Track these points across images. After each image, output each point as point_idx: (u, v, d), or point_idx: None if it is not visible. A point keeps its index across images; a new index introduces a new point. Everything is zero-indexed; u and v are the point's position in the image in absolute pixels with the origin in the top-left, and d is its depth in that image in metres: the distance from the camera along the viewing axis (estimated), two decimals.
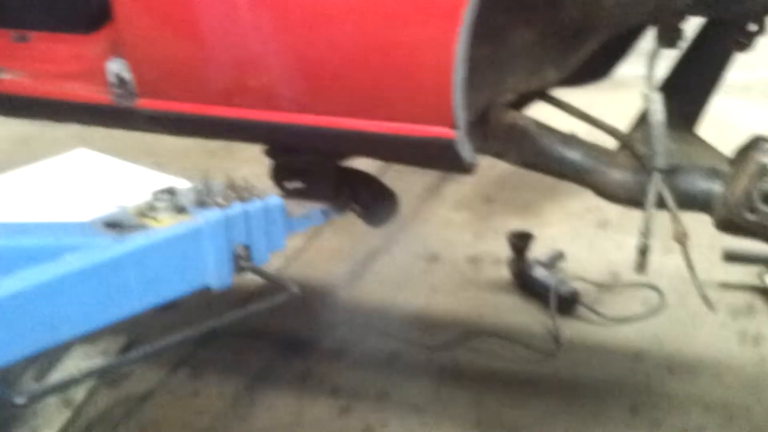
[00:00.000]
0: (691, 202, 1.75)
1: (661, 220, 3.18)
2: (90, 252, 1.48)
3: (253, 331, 2.70)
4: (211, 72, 1.73)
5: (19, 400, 1.27)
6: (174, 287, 1.61)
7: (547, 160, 1.80)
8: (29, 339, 1.40)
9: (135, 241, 1.55)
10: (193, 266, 1.63)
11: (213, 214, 1.66)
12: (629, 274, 2.92)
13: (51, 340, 1.42)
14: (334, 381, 2.49)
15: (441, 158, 1.67)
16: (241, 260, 1.70)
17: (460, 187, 3.70)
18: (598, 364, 2.51)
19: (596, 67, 2.06)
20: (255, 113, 1.73)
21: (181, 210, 1.66)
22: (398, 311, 2.83)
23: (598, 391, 2.39)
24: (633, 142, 1.79)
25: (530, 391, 2.41)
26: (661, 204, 1.74)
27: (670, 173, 1.73)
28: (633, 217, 3.35)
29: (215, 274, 1.67)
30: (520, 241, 2.92)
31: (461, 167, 1.65)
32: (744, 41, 1.71)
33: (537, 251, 2.97)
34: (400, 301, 2.89)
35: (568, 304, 2.75)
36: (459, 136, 1.58)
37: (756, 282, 2.80)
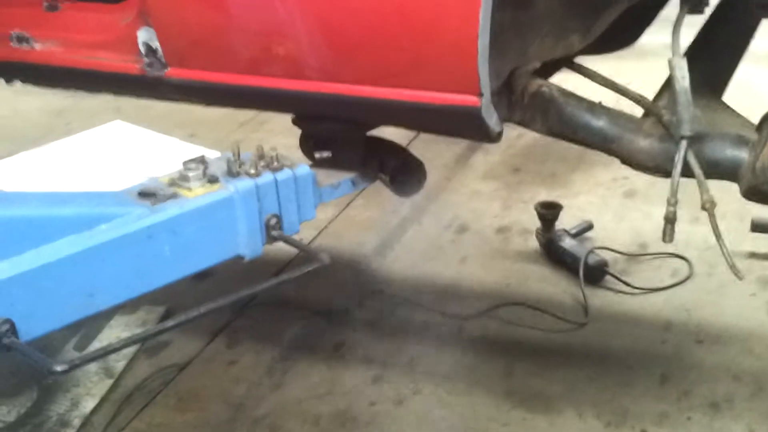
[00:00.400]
0: (718, 170, 1.75)
1: (688, 189, 3.20)
2: (125, 221, 1.52)
3: (287, 301, 2.75)
4: (238, 40, 1.75)
5: (59, 367, 1.32)
6: (207, 256, 1.64)
7: (573, 128, 1.80)
8: (67, 308, 1.44)
9: (168, 210, 1.58)
10: (225, 235, 1.66)
11: (244, 184, 1.68)
12: (657, 244, 2.96)
13: (88, 309, 1.46)
14: (366, 351, 2.54)
15: (467, 126, 1.68)
16: (272, 229, 1.73)
17: (488, 157, 3.71)
18: (627, 333, 2.54)
19: (621, 35, 2.06)
20: (282, 82, 1.75)
21: (212, 180, 1.68)
22: (428, 281, 2.86)
23: (627, 361, 2.41)
24: (659, 110, 1.79)
25: (559, 361, 2.44)
26: (688, 172, 1.74)
27: (697, 141, 1.72)
28: (660, 186, 3.35)
29: (247, 244, 1.70)
30: (549, 212, 2.94)
31: (487, 136, 1.66)
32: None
33: (565, 221, 2.99)
34: (430, 271, 2.93)
35: (596, 274, 2.77)
36: (484, 104, 1.59)
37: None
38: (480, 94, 1.58)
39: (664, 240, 1.79)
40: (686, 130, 1.71)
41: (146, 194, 1.62)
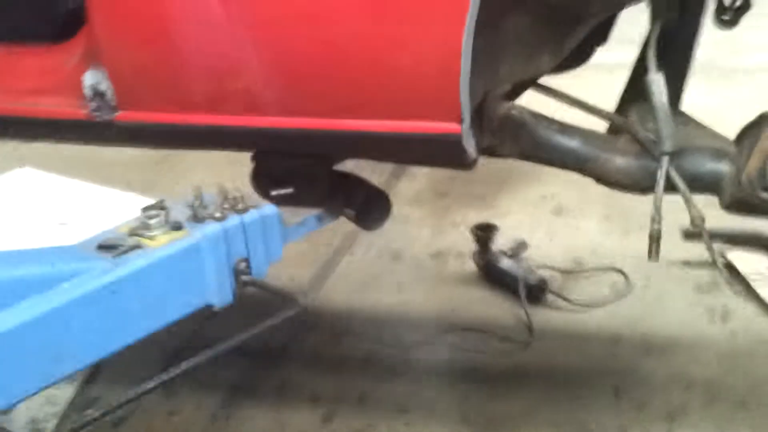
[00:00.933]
0: (698, 183, 1.74)
1: (623, 203, 3.22)
2: (87, 278, 1.41)
3: (220, 343, 2.64)
4: (199, 78, 1.67)
5: None
6: (176, 308, 1.55)
7: (546, 150, 1.77)
8: (33, 375, 1.33)
9: (133, 262, 1.48)
10: (194, 284, 1.58)
11: (211, 228, 1.60)
12: (592, 259, 2.99)
13: (55, 374, 1.36)
14: (312, 388, 2.45)
15: (446, 154, 1.63)
16: (242, 274, 1.65)
17: (413, 183, 3.69)
18: (575, 350, 2.52)
19: (577, 53, 2.05)
20: (246, 119, 1.67)
21: (176, 226, 1.59)
22: (368, 312, 2.80)
23: (580, 377, 2.40)
24: (631, 126, 1.78)
25: (512, 383, 2.40)
26: (668, 188, 1.73)
27: (676, 156, 1.72)
28: (587, 202, 3.41)
29: (217, 291, 1.62)
30: (485, 233, 2.92)
31: (466, 162, 1.62)
32: (730, 18, 1.72)
33: (498, 242, 2.97)
34: (368, 301, 2.87)
35: (537, 292, 2.76)
36: (465, 130, 1.55)
37: (719, 258, 2.84)
38: (461, 121, 1.54)
39: (650, 258, 1.77)
40: (668, 146, 1.70)
41: (106, 247, 1.52)
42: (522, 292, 2.72)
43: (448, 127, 1.55)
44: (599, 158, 1.77)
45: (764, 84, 4.65)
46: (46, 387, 1.37)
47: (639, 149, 1.76)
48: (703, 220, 1.73)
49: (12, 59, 1.85)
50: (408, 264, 3.08)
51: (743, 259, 2.78)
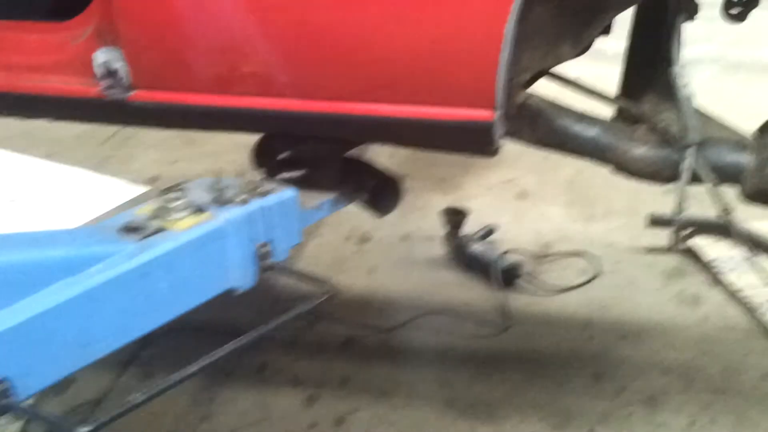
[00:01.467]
0: (719, 174, 1.77)
1: (583, 189, 3.27)
2: (117, 260, 1.37)
3: (196, 325, 2.60)
4: (218, 57, 1.63)
5: (83, 429, 1.17)
6: (201, 292, 1.53)
7: (564, 138, 1.79)
8: (63, 359, 1.29)
9: (162, 245, 1.45)
10: (218, 268, 1.55)
11: (235, 212, 1.57)
12: (559, 244, 3.02)
13: (84, 358, 1.32)
14: (293, 371, 2.43)
15: (473, 141, 1.63)
16: (264, 258, 1.62)
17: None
18: (551, 334, 2.56)
19: None
20: (266, 102, 1.64)
21: (199, 210, 1.56)
22: (340, 295, 2.78)
23: (558, 361, 2.43)
24: (650, 117, 1.81)
25: (492, 366, 2.42)
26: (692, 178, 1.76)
27: (699, 147, 1.75)
28: (549, 187, 3.45)
29: (240, 275, 1.60)
30: (455, 218, 2.93)
31: (491, 150, 1.63)
32: (738, 12, 1.75)
33: (467, 226, 2.99)
34: (339, 284, 2.84)
35: (509, 277, 2.78)
36: (497, 118, 1.55)
37: (682, 245, 2.91)
38: (495, 108, 1.54)
39: (672, 248, 1.80)
40: (694, 137, 1.73)
41: (129, 229, 1.47)
42: (497, 276, 2.74)
43: (480, 114, 1.55)
44: (618, 148, 1.79)
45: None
46: (72, 372, 1.34)
47: (657, 139, 1.79)
48: (730, 210, 1.76)
49: (15, 36, 1.77)
50: (376, 247, 3.07)
51: (706, 246, 2.85)
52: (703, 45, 4.92)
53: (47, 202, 3.57)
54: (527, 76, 1.78)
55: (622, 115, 1.93)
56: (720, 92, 4.28)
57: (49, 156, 3.90)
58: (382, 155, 3.66)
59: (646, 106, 1.84)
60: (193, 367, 1.42)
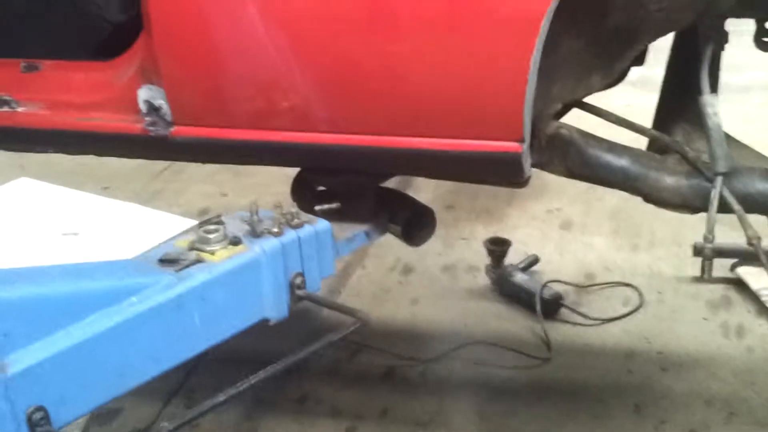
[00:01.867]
0: (748, 203, 1.76)
1: (628, 219, 3.25)
2: (153, 291, 1.42)
3: (239, 356, 2.64)
4: (255, 95, 1.68)
5: None
6: (235, 322, 1.57)
7: (594, 168, 1.80)
8: (98, 388, 1.33)
9: (197, 276, 1.50)
10: (252, 298, 1.59)
11: (269, 244, 1.62)
12: (603, 274, 3.01)
13: (118, 388, 1.36)
14: (332, 402, 2.46)
15: (502, 173, 1.66)
16: (298, 288, 1.66)
17: (419, 195, 3.68)
18: (592, 365, 2.55)
19: None
20: (302, 136, 1.69)
21: (235, 241, 1.60)
22: (383, 326, 2.81)
23: (598, 394, 2.42)
24: (682, 147, 1.81)
25: (531, 398, 2.42)
26: (720, 208, 1.75)
27: (728, 176, 1.75)
28: (594, 217, 3.44)
29: (273, 306, 1.64)
30: (498, 248, 2.94)
31: (521, 181, 1.65)
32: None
33: (509, 256, 2.99)
34: (382, 315, 2.87)
35: (551, 307, 2.78)
36: (524, 150, 1.58)
37: (729, 275, 2.88)
38: (522, 140, 1.56)
39: (702, 277, 1.79)
40: (722, 166, 1.73)
41: (167, 261, 1.52)
42: (538, 306, 2.74)
43: (508, 146, 1.58)
44: (649, 177, 1.79)
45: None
46: (107, 401, 1.38)
47: (688, 169, 1.78)
48: (759, 239, 1.75)
49: (61, 75, 1.85)
50: (420, 278, 3.09)
51: (754, 276, 2.82)
52: (752, 72, 4.86)
53: (95, 237, 3.65)
54: (557, 107, 1.79)
55: (655, 145, 1.93)
56: None
57: (103, 190, 4.00)
58: (426, 185, 3.70)
59: (678, 135, 1.84)
60: (231, 392, 1.44)
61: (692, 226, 2.94)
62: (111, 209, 3.71)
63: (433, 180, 3.67)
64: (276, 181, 3.85)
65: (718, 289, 2.85)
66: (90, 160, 4.17)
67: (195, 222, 3.80)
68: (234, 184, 3.98)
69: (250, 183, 3.96)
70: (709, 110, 1.75)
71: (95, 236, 3.41)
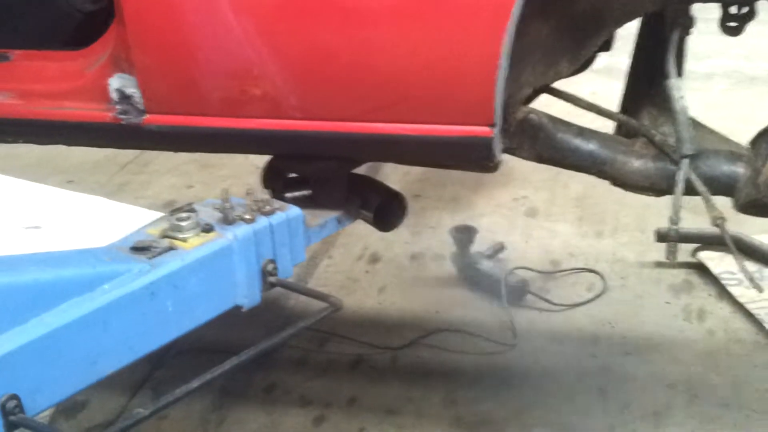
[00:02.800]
0: (713, 185, 1.79)
1: (593, 206, 3.29)
2: (126, 279, 1.43)
3: (206, 346, 2.64)
4: (228, 82, 1.69)
5: None
6: (208, 309, 1.57)
7: (564, 153, 1.82)
8: (71, 377, 1.33)
9: (170, 263, 1.50)
10: (225, 285, 1.60)
11: (242, 230, 1.62)
12: (568, 261, 3.04)
13: (91, 376, 1.37)
14: (301, 391, 2.47)
15: (473, 157, 1.68)
16: (269, 275, 1.67)
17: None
18: (557, 351, 2.58)
19: None
20: (275, 123, 1.70)
21: (207, 228, 1.61)
22: (351, 314, 2.82)
23: (564, 378, 2.45)
24: (648, 130, 1.84)
25: (499, 384, 2.45)
26: (686, 190, 1.78)
27: (694, 158, 1.78)
28: (559, 204, 3.47)
29: (245, 292, 1.65)
30: (464, 235, 2.96)
31: (491, 166, 1.68)
32: (736, 25, 1.78)
33: (475, 244, 3.01)
34: (350, 303, 2.88)
35: (517, 293, 2.81)
36: (496, 135, 1.60)
37: (690, 260, 2.93)
38: (493, 125, 1.58)
39: (667, 259, 1.82)
40: (688, 149, 1.76)
41: (139, 249, 1.53)
42: (504, 293, 2.77)
43: (480, 131, 1.60)
44: (616, 161, 1.82)
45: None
46: (80, 390, 1.38)
47: (655, 152, 1.81)
48: (724, 219, 1.78)
49: (32, 64, 1.84)
50: (387, 266, 3.11)
51: (715, 260, 2.87)
52: (716, 59, 4.93)
53: (59, 230, 3.62)
54: (527, 92, 1.81)
55: (622, 130, 1.96)
56: (732, 106, 4.29)
57: (68, 182, 3.96)
58: (394, 174, 3.71)
59: (645, 119, 1.86)
60: (196, 383, 1.45)
61: (656, 213, 3.01)
62: (75, 202, 3.68)
63: (400, 169, 3.70)
64: (244, 173, 3.86)
65: (680, 274, 2.90)
66: (54, 152, 4.15)
67: (160, 214, 3.80)
68: (201, 176, 3.97)
69: (217, 175, 3.96)
70: (675, 93, 1.78)
71: (58, 229, 3.37)
